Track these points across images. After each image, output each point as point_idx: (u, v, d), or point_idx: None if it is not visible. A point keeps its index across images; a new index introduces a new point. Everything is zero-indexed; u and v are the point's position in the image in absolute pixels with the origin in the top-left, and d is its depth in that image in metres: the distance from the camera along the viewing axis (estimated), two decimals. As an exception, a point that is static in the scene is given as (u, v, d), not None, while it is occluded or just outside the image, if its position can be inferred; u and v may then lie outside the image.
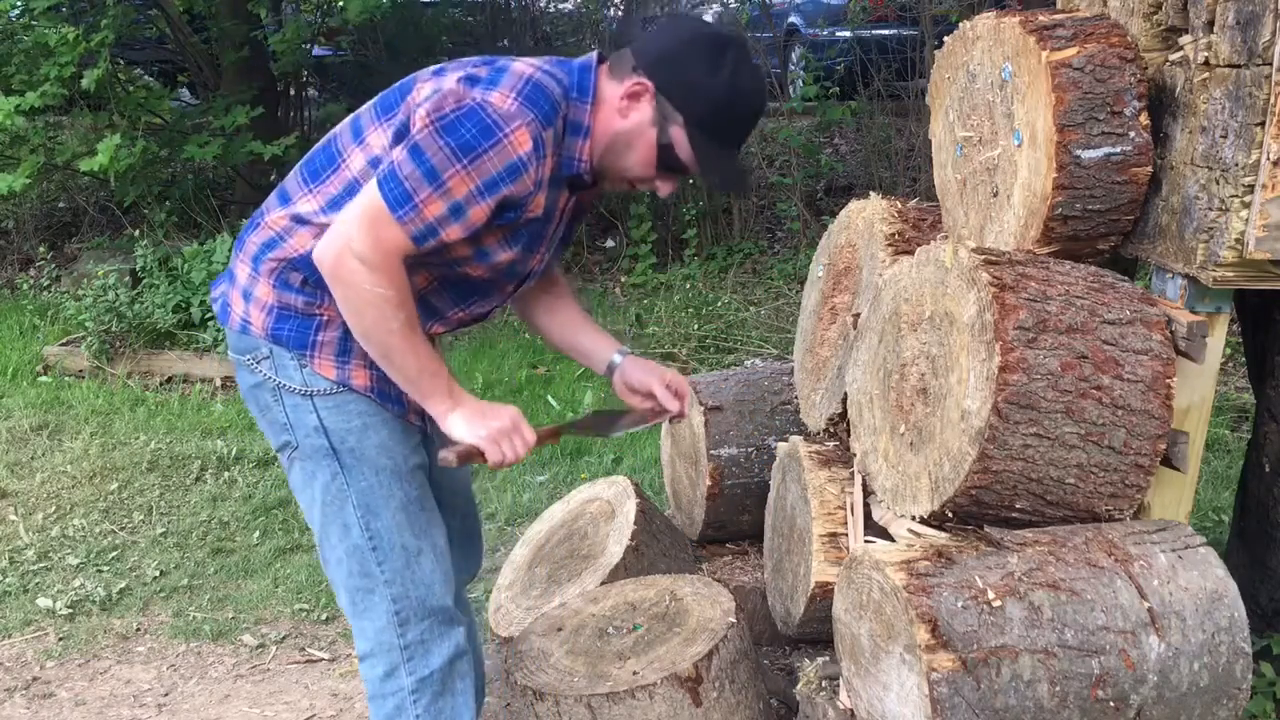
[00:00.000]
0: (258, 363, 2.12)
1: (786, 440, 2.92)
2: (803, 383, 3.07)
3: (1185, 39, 2.20)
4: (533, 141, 1.94)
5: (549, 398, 5.40)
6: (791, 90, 8.36)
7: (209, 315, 6.09)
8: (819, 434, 2.92)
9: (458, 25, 9.53)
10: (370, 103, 2.11)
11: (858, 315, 2.72)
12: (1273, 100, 2.00)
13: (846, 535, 2.61)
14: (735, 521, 3.31)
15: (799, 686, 2.49)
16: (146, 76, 9.34)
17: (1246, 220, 2.06)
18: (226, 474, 4.71)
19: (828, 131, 8.13)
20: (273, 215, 2.12)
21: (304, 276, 2.08)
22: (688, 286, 6.60)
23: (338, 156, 2.09)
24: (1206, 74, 2.12)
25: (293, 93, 8.41)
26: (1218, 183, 2.10)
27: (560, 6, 10.46)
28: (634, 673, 2.42)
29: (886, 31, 7.89)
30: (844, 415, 2.75)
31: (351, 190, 2.04)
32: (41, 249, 7.36)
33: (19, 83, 6.66)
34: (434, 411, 2.07)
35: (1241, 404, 4.63)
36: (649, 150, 2.05)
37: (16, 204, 7.97)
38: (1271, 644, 2.54)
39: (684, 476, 3.45)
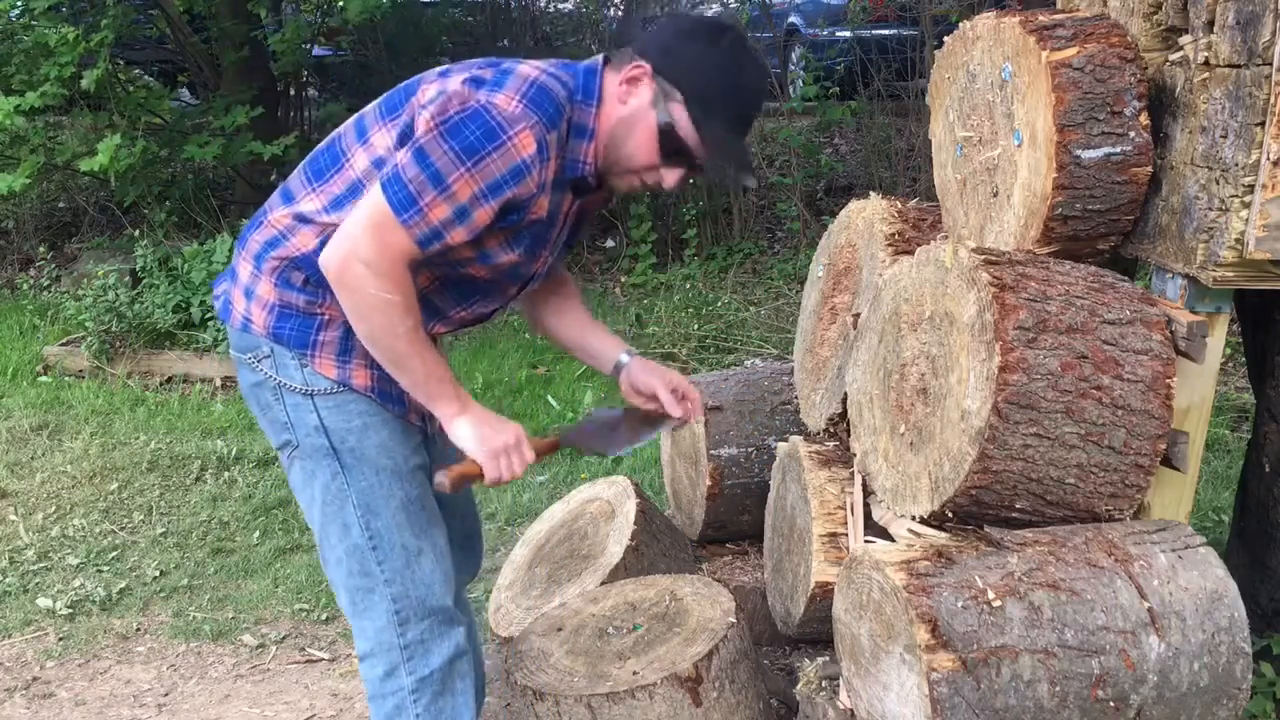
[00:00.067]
0: (259, 361, 2.12)
1: (786, 440, 2.92)
2: (803, 383, 3.07)
3: (1185, 39, 2.20)
4: (537, 144, 1.94)
5: (549, 398, 5.40)
6: (791, 90, 8.36)
7: (209, 315, 6.09)
8: (819, 434, 2.92)
9: (458, 25, 9.53)
10: (375, 102, 2.12)
11: (858, 315, 2.72)
12: (1273, 100, 2.00)
13: (846, 535, 2.61)
14: (735, 521, 3.31)
15: (799, 686, 2.49)
16: (146, 76, 9.34)
17: (1246, 220, 2.06)
18: (226, 474, 4.71)
19: (828, 131, 8.13)
20: (276, 214, 2.12)
21: (306, 275, 2.08)
22: (688, 286, 6.60)
23: (341, 156, 2.09)
24: (1206, 74, 2.12)
25: (293, 93, 8.41)
26: (1218, 183, 2.10)
27: (560, 6, 10.46)
28: (634, 673, 2.42)
29: (886, 31, 7.89)
30: (844, 415, 2.75)
31: (354, 190, 2.04)
32: (41, 249, 7.36)
33: (19, 83, 6.66)
34: (440, 415, 2.07)
35: (1241, 404, 4.63)
36: (649, 134, 2.03)
37: (16, 204, 7.97)
38: (1271, 644, 2.54)
39: (684, 476, 3.45)
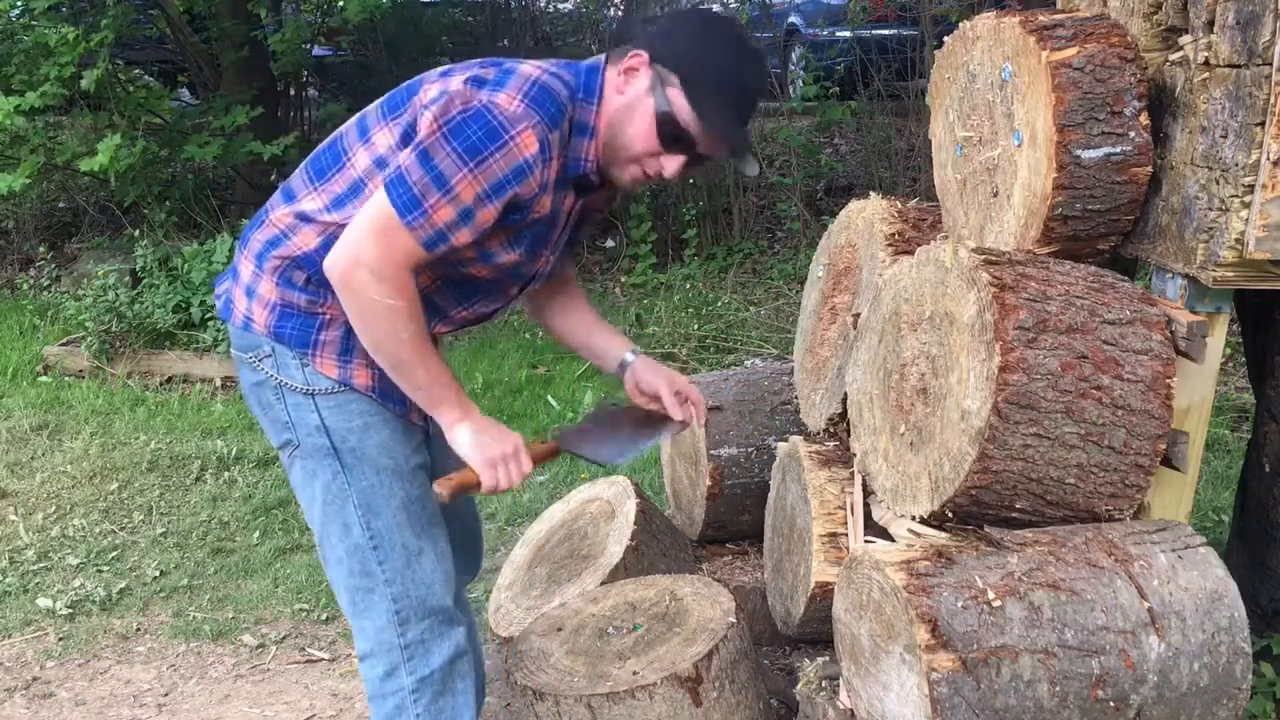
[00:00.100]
0: (260, 360, 2.13)
1: (786, 440, 2.92)
2: (803, 383, 3.07)
3: (1185, 39, 2.20)
4: (539, 144, 1.94)
5: (549, 398, 5.40)
6: (791, 90, 8.36)
7: (209, 315, 6.09)
8: (819, 434, 2.92)
9: (458, 25, 9.54)
10: (377, 102, 2.12)
11: (858, 315, 2.72)
12: (1273, 100, 2.00)
13: (846, 535, 2.61)
14: (735, 521, 3.31)
15: (799, 686, 2.49)
16: (146, 76, 9.34)
17: (1246, 220, 2.06)
18: (226, 474, 4.71)
19: (828, 131, 8.13)
20: (277, 212, 2.13)
21: (307, 275, 2.08)
22: (688, 286, 6.60)
23: (343, 155, 2.09)
24: (1206, 74, 2.12)
25: (293, 93, 8.41)
26: (1218, 183, 2.10)
27: (560, 6, 10.46)
28: (634, 673, 2.42)
29: (886, 31, 7.89)
30: (844, 415, 2.75)
31: (356, 188, 2.05)
32: (41, 249, 7.37)
33: (19, 83, 6.66)
34: (442, 421, 2.08)
35: (1241, 404, 4.63)
36: (647, 120, 2.01)
37: (16, 204, 7.97)
38: (1271, 644, 2.54)
39: (684, 476, 3.45)
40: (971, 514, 2.18)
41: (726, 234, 7.25)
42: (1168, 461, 2.20)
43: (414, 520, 2.16)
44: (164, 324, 6.09)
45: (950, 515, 2.19)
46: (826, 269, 3.04)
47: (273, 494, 4.49)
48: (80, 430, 5.17)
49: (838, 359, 2.84)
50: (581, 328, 2.40)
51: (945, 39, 2.60)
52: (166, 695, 3.33)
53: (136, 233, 6.74)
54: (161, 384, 5.89)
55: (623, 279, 7.02)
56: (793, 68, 8.81)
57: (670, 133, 2.02)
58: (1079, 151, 2.21)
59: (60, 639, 3.61)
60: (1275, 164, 2.02)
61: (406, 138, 2.00)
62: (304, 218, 2.08)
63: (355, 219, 1.97)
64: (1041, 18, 2.33)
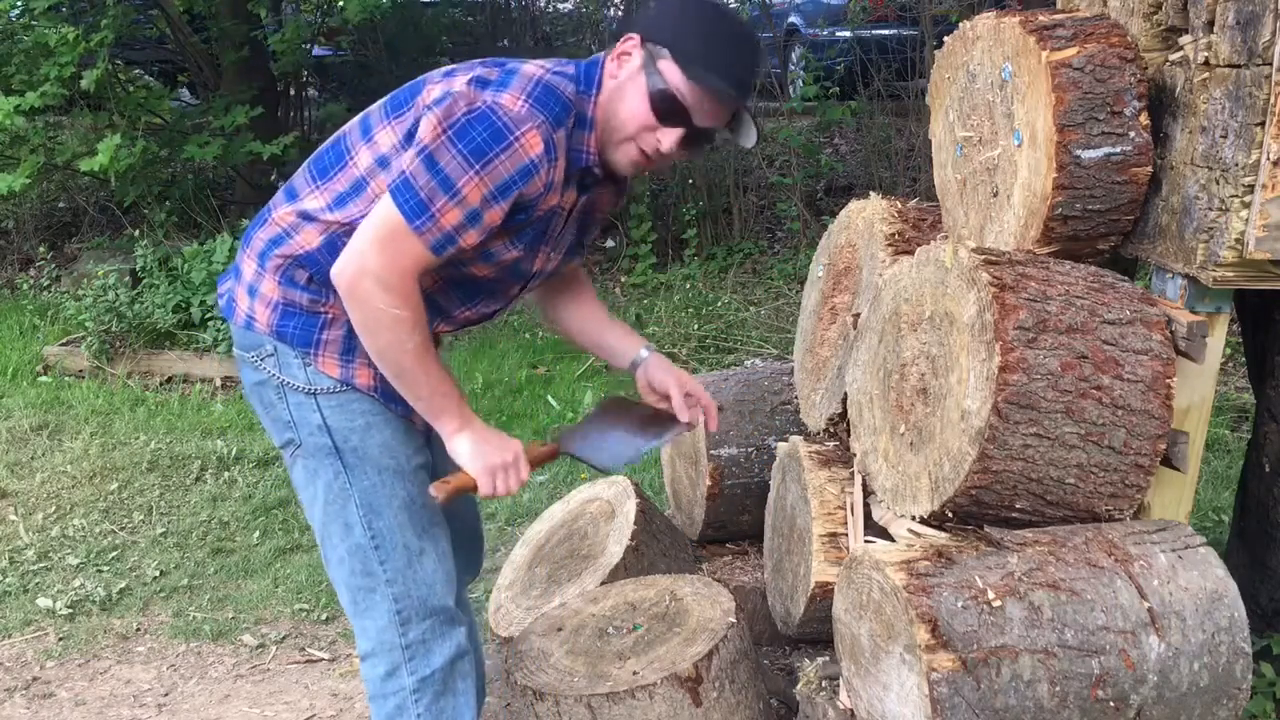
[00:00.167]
0: (262, 360, 2.13)
1: (786, 440, 2.92)
2: (803, 383, 3.07)
3: (1185, 39, 2.20)
4: (544, 144, 1.94)
5: (549, 398, 5.40)
6: (791, 90, 8.36)
7: (209, 315, 6.09)
8: (819, 434, 2.92)
9: (458, 25, 9.54)
10: (380, 101, 2.12)
11: (858, 315, 2.72)
12: (1273, 100, 2.00)
13: (846, 535, 2.61)
14: (735, 521, 3.31)
15: (799, 686, 2.49)
16: (146, 76, 9.34)
17: (1246, 220, 2.06)
18: (226, 474, 4.71)
19: (828, 131, 8.13)
20: (280, 211, 2.13)
21: (310, 274, 2.08)
22: (688, 286, 6.61)
23: (346, 154, 2.09)
24: (1206, 74, 2.12)
25: (293, 93, 8.42)
26: (1218, 183, 2.10)
27: (560, 6, 10.46)
28: (634, 673, 2.42)
29: (886, 31, 7.89)
30: (844, 415, 2.75)
31: (358, 187, 2.05)
32: (41, 249, 7.37)
33: (19, 83, 6.67)
34: (442, 431, 2.08)
35: (1241, 404, 4.63)
36: (640, 96, 2.00)
37: (16, 204, 7.97)
38: (1271, 644, 2.54)
39: (684, 476, 3.45)
40: (971, 514, 2.18)
41: (726, 234, 7.25)
42: (1168, 461, 2.20)
43: (415, 520, 2.16)
44: (164, 324, 6.09)
45: (950, 515, 2.20)
46: (826, 269, 3.04)
47: (273, 494, 4.49)
48: (80, 430, 5.17)
49: (838, 359, 2.84)
50: (593, 325, 2.39)
51: (945, 39, 2.61)
52: (166, 695, 3.33)
53: (136, 233, 6.74)
54: (161, 384, 5.89)
55: (623, 279, 7.02)
56: (793, 68, 8.81)
57: (665, 106, 2.00)
58: (1079, 151, 2.21)
59: (60, 639, 3.61)
60: (1275, 164, 2.02)
61: (410, 136, 2.00)
62: (306, 216, 2.08)
63: (361, 227, 1.97)
64: (1041, 18, 2.33)
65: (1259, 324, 2.61)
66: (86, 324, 5.98)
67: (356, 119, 2.14)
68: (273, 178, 7.20)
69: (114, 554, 4.11)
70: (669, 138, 2.02)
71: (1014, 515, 2.17)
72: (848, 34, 7.84)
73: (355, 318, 1.98)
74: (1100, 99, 2.21)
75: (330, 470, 2.13)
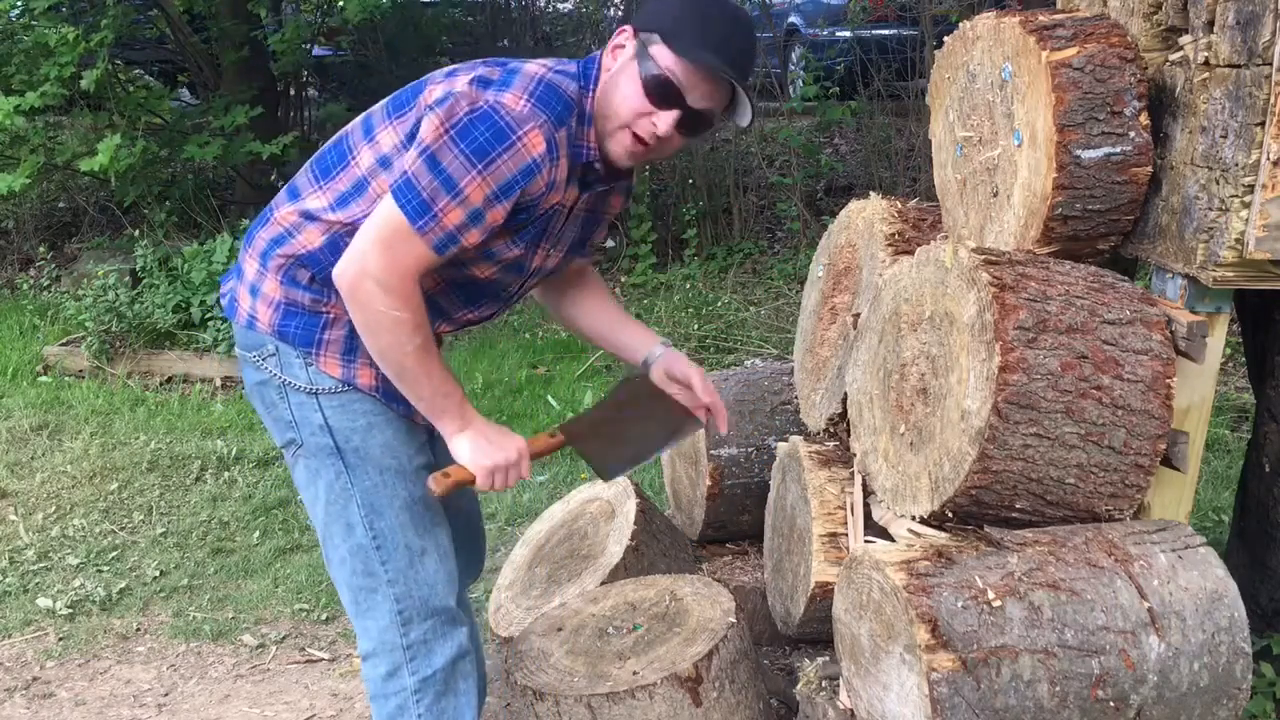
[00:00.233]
0: (263, 359, 2.13)
1: (786, 440, 2.92)
2: (803, 383, 3.07)
3: (1185, 39, 2.20)
4: (546, 143, 1.94)
5: (549, 398, 5.40)
6: (791, 90, 8.36)
7: (209, 315, 6.09)
8: (819, 434, 2.92)
9: (458, 25, 9.54)
10: (383, 101, 2.12)
11: (858, 315, 2.72)
12: (1273, 100, 2.00)
13: (846, 535, 2.61)
14: (735, 521, 3.31)
15: (799, 686, 2.49)
16: (146, 76, 9.34)
17: (1246, 220, 2.06)
18: (226, 474, 4.71)
19: (828, 131, 8.13)
20: (282, 211, 2.13)
21: (312, 273, 2.08)
22: (688, 286, 6.61)
23: (348, 154, 2.09)
24: (1206, 74, 2.12)
25: (293, 93, 8.42)
26: (1218, 183, 2.10)
27: (560, 6, 10.46)
28: (634, 673, 2.42)
29: (886, 31, 7.89)
30: (844, 415, 2.75)
31: (360, 186, 2.05)
32: (41, 249, 7.37)
33: (19, 83, 6.67)
34: (443, 431, 2.08)
35: (1241, 404, 4.63)
36: (632, 82, 2.00)
37: (16, 204, 7.97)
38: (1271, 644, 2.54)
39: (684, 476, 3.45)
40: (971, 514, 2.18)
41: (726, 234, 7.25)
42: (1168, 461, 2.20)
43: (417, 520, 2.16)
44: (164, 324, 6.09)
45: (950, 515, 2.20)
46: (826, 269, 3.04)
47: (273, 494, 4.49)
48: (80, 430, 5.17)
49: (838, 359, 2.84)
50: (604, 322, 2.38)
51: (945, 39, 2.61)
52: (166, 695, 3.33)
53: (136, 233, 6.74)
54: (161, 384, 5.89)
55: (623, 279, 7.02)
56: (793, 68, 8.81)
57: (659, 89, 1.99)
58: (1079, 151, 2.21)
59: (60, 639, 3.61)
60: (1275, 164, 2.02)
61: (412, 136, 2.00)
62: (309, 216, 2.09)
63: (363, 228, 1.97)
64: (1041, 18, 2.33)
65: (1259, 324, 2.61)
66: (86, 324, 5.98)
67: (359, 119, 2.14)
68: (273, 178, 7.20)
69: (114, 554, 4.11)
70: (665, 120, 2.01)
71: (1014, 515, 2.17)
72: (848, 34, 7.84)
73: (357, 319, 1.99)
74: (1100, 99, 2.21)
75: (332, 470, 2.14)
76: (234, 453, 4.85)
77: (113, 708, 3.28)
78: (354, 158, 2.08)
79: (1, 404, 5.53)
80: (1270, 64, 2.00)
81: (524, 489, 4.42)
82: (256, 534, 4.23)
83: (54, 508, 4.46)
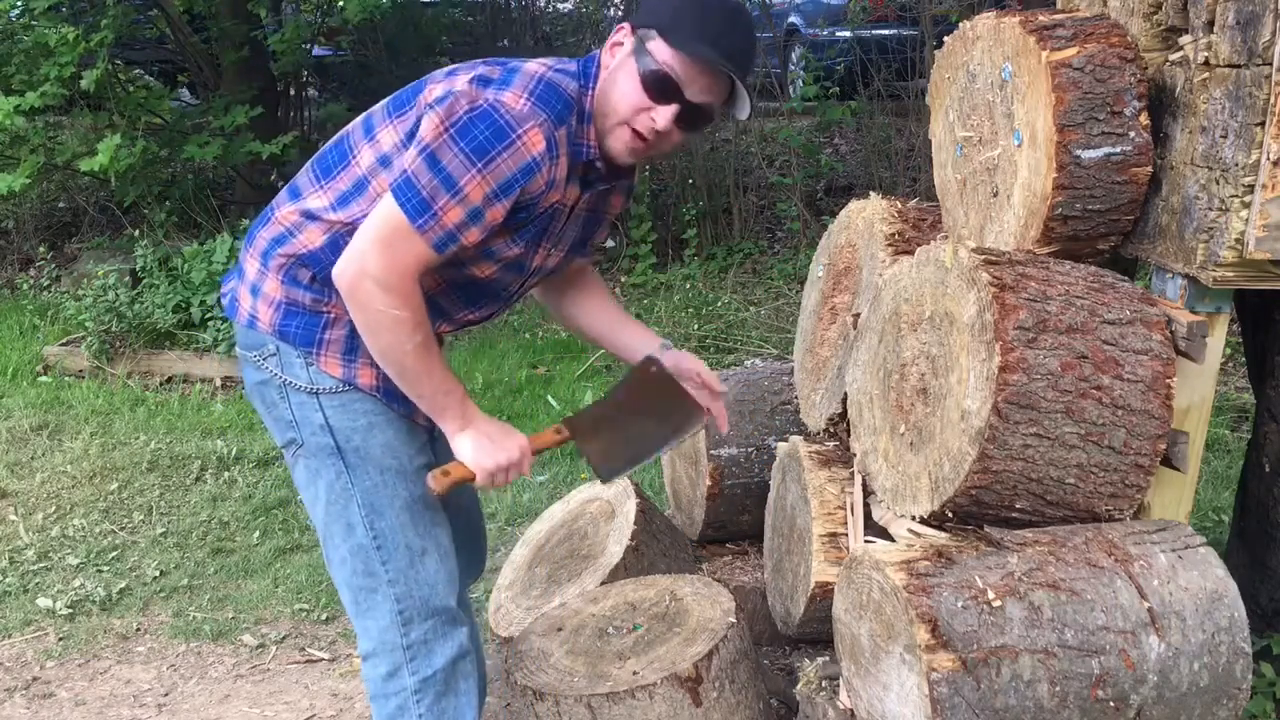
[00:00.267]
0: (264, 359, 2.13)
1: (786, 440, 2.92)
2: (803, 383, 3.07)
3: (1185, 39, 2.21)
4: (545, 141, 1.94)
5: (549, 398, 5.40)
6: (791, 90, 8.36)
7: (209, 315, 6.09)
8: (819, 434, 2.92)
9: (458, 25, 9.54)
10: (384, 101, 2.12)
11: (858, 315, 2.72)
12: (1273, 100, 2.00)
13: (846, 535, 2.61)
14: (735, 521, 3.31)
15: (799, 686, 2.49)
16: (146, 76, 9.34)
17: (1246, 220, 2.06)
18: (226, 474, 4.71)
19: (828, 131, 8.13)
20: (283, 210, 2.13)
21: (313, 273, 2.08)
22: (688, 286, 6.61)
23: (349, 153, 2.09)
24: (1206, 74, 2.12)
25: (293, 93, 8.42)
26: (1218, 183, 2.10)
27: (560, 6, 10.46)
28: (634, 673, 2.42)
29: (886, 31, 7.89)
30: (844, 415, 2.75)
31: (360, 186, 2.05)
32: (41, 249, 7.37)
33: (19, 83, 6.67)
34: (445, 429, 2.09)
35: (1241, 404, 4.63)
36: (631, 78, 2.00)
37: (16, 204, 7.97)
38: (1271, 644, 2.55)
39: (684, 476, 3.45)
40: (971, 514, 2.18)
41: (726, 234, 7.26)
42: (1168, 461, 2.20)
43: (418, 520, 2.16)
44: (164, 324, 6.09)
45: (950, 515, 2.20)
46: (826, 269, 3.04)
47: (273, 494, 4.49)
48: (80, 430, 5.17)
49: (838, 359, 2.84)
50: (604, 322, 2.38)
51: (945, 39, 2.61)
52: (166, 695, 3.33)
53: (136, 233, 6.74)
54: (161, 384, 5.89)
55: (623, 279, 7.02)
56: (793, 68, 8.81)
57: (657, 84, 1.99)
58: (1079, 151, 2.21)
59: (60, 639, 3.61)
60: (1275, 164, 2.02)
61: (411, 136, 2.00)
62: (309, 215, 2.09)
63: (362, 227, 1.97)
64: (1041, 18, 2.33)
65: (1259, 324, 2.61)
66: (86, 324, 5.98)
67: (359, 118, 2.14)
68: (273, 178, 7.20)
69: (114, 554, 4.11)
70: (664, 115, 2.00)
71: (1014, 515, 2.17)
72: (848, 34, 7.84)
73: (357, 319, 1.99)
74: (1100, 99, 2.21)
75: (332, 470, 2.14)
76: (234, 453, 4.85)
77: (113, 708, 3.28)
78: (355, 157, 2.08)
79: (1, 404, 5.53)
80: (1270, 64, 2.00)
81: (524, 489, 4.42)
82: (256, 534, 4.23)
83: (54, 508, 4.46)
